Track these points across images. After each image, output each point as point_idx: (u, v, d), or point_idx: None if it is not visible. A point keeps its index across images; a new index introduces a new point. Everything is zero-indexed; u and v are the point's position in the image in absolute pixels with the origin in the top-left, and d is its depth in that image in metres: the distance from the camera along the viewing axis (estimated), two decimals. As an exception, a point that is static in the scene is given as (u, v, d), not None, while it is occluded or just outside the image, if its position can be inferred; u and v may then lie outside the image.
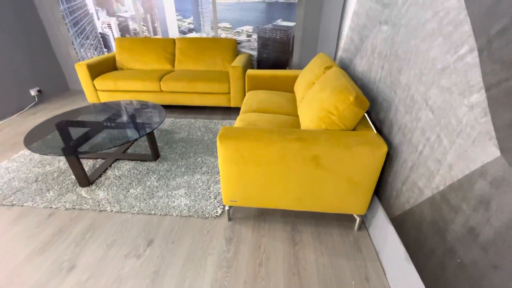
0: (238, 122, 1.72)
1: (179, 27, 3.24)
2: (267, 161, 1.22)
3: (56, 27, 3.33)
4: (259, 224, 1.49)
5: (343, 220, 1.52)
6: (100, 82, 2.75)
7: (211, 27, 3.19)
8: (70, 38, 3.39)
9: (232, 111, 3.00)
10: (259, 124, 1.65)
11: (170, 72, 2.94)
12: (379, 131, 1.36)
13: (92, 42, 3.43)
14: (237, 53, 3.17)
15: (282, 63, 3.35)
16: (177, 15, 3.17)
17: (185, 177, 1.84)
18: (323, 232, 1.45)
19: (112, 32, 3.34)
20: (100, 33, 3.36)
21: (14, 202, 1.63)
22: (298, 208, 1.37)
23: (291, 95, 2.21)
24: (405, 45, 1.14)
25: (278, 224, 1.49)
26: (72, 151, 1.56)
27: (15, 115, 2.92)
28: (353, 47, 1.88)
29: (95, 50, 3.48)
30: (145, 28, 3.28)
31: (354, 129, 1.31)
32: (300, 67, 3.34)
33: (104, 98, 2.87)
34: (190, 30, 3.25)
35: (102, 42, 3.42)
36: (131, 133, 1.75)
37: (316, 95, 1.47)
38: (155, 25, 3.25)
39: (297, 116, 1.86)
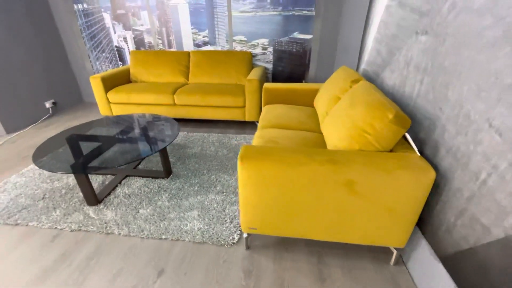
0: (256, 138, 1.60)
1: (193, 40, 3.22)
2: (293, 185, 1.08)
3: (73, 41, 3.37)
4: (281, 254, 1.33)
5: (377, 252, 1.34)
6: (113, 95, 2.71)
7: (226, 40, 3.15)
8: (86, 52, 3.42)
9: (246, 125, 2.89)
10: (279, 141, 1.52)
11: (184, 85, 2.88)
12: (420, 152, 1.21)
13: (107, 55, 3.44)
14: (252, 66, 3.10)
15: (298, 76, 3.26)
16: (192, 28, 3.15)
17: (198, 197, 1.71)
18: (354, 265, 1.27)
19: (127, 45, 3.35)
20: (116, 46, 3.37)
21: (18, 221, 1.53)
22: (327, 239, 1.21)
23: (311, 110, 2.08)
24: (453, 56, 1.00)
25: (302, 254, 1.33)
26: (81, 169, 1.47)
27: (29, 127, 2.91)
28: (380, 60, 1.75)
29: (110, 63, 3.49)
30: (160, 41, 3.28)
31: (391, 150, 1.16)
32: (317, 80, 3.23)
33: (117, 111, 2.83)
34: (205, 43, 3.22)
35: (117, 55, 3.43)
36: (143, 148, 1.65)
37: (345, 111, 1.34)
38: (170, 38, 3.24)
39: (320, 132, 1.72)
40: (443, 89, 1.05)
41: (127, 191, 1.78)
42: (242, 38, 3.13)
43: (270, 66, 3.24)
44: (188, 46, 3.25)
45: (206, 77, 2.99)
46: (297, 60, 3.16)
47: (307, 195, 1.09)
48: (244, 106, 2.61)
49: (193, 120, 3.07)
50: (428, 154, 1.13)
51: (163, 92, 2.65)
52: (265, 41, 3.11)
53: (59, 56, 3.36)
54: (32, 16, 2.97)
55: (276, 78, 3.29)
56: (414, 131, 1.26)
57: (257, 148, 1.13)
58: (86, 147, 1.68)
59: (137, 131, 1.91)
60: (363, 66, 2.10)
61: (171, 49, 3.29)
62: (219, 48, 3.21)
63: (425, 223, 1.14)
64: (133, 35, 3.29)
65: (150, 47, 3.32)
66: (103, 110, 2.83)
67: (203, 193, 1.76)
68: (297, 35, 3.03)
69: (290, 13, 2.94)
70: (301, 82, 3.28)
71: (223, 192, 1.76)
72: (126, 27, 3.25)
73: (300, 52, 3.11)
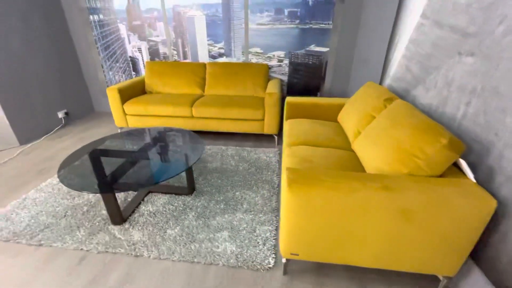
0: (288, 157, 1.56)
1: (209, 52, 3.21)
2: (344, 212, 1.04)
3: (87, 51, 3.35)
4: (321, 280, 1.28)
5: (421, 279, 1.29)
6: (130, 107, 2.68)
7: (242, 52, 3.14)
8: (100, 61, 3.40)
9: (263, 138, 2.85)
10: (314, 160, 1.48)
11: (200, 97, 2.85)
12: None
13: (121, 65, 3.42)
14: (268, 78, 3.09)
15: (313, 89, 3.24)
16: (208, 40, 3.14)
17: (226, 216, 1.66)
18: (399, 294, 1.22)
19: (142, 55, 3.34)
20: (130, 56, 3.36)
21: (42, 242, 1.47)
22: (373, 266, 1.16)
23: (336, 125, 2.05)
24: (511, 82, 0.98)
25: (343, 281, 1.28)
26: (109, 188, 1.42)
27: (42, 138, 2.86)
28: (410, 77, 1.73)
29: (124, 73, 3.47)
30: (175, 52, 3.26)
31: (441, 175, 1.12)
32: (332, 93, 3.22)
33: (133, 122, 2.79)
34: (221, 55, 3.21)
35: (131, 66, 3.41)
36: (171, 166, 1.61)
37: (386, 132, 1.30)
38: (185, 49, 3.23)
39: (351, 150, 1.69)
40: (498, 114, 1.02)
41: (151, 209, 1.72)
42: (258, 50, 3.13)
43: (285, 78, 3.23)
44: (203, 57, 3.24)
45: (222, 89, 2.97)
46: (312, 72, 3.15)
47: (358, 221, 1.05)
48: (263, 119, 2.58)
49: (209, 132, 3.04)
50: (480, 180, 1.10)
51: (181, 104, 2.62)
52: (281, 53, 3.10)
53: (73, 66, 3.33)
54: (49, 27, 2.95)
55: (291, 90, 3.28)
56: (462, 154, 1.22)
57: (305, 172, 1.09)
58: (110, 163, 1.64)
59: (161, 146, 1.87)
60: (388, 81, 2.08)
61: (186, 60, 3.28)
62: (234, 60, 3.20)
63: (477, 251, 1.10)
64: (148, 46, 3.27)
65: (164, 57, 3.31)
66: (119, 122, 2.79)
67: (230, 211, 1.70)
68: (313, 47, 3.03)
69: (307, 26, 2.94)
70: (316, 94, 3.27)
71: (250, 211, 1.71)
72: (141, 38, 3.24)
73: (316, 64, 3.10)
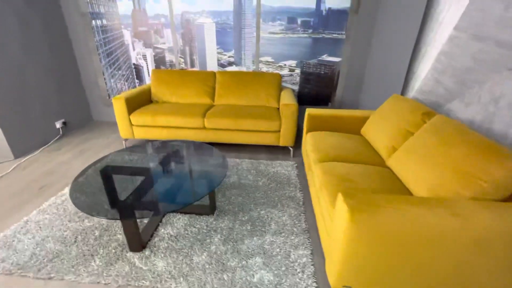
0: (323, 174, 1.46)
1: (218, 60, 3.11)
2: (408, 242, 0.94)
3: (87, 57, 3.18)
4: (372, 313, 1.16)
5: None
6: (137, 117, 2.52)
7: (252, 60, 3.06)
8: (101, 68, 3.23)
9: (278, 150, 2.75)
10: (354, 179, 1.39)
11: (211, 107, 2.73)
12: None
13: (124, 72, 3.26)
14: (281, 88, 3.01)
15: (324, 98, 3.19)
16: (218, 48, 3.05)
17: (255, 239, 1.53)
18: (458, 327, 1.12)
19: (146, 63, 3.19)
20: (134, 63, 3.21)
21: (52, 274, 1.30)
22: (434, 299, 1.06)
23: (362, 139, 1.98)
24: None
25: (396, 313, 1.17)
26: (130, 213, 1.27)
27: (39, 150, 2.64)
28: (443, 91, 1.68)
29: (126, 81, 3.31)
30: (182, 60, 3.14)
31: (504, 200, 1.05)
32: (344, 102, 3.17)
33: (140, 133, 2.63)
34: (230, 64, 3.11)
35: (134, 73, 3.26)
36: (194, 185, 1.48)
37: (435, 151, 1.23)
38: (194, 57, 3.12)
39: (385, 166, 1.61)
40: None
41: (172, 232, 1.57)
42: (269, 59, 3.06)
43: (296, 87, 3.16)
44: (212, 66, 3.14)
45: (233, 99, 2.86)
46: (324, 82, 3.10)
47: (423, 252, 0.95)
48: (279, 131, 2.48)
49: (220, 143, 2.91)
50: (548, 204, 1.03)
51: (192, 114, 2.49)
52: (293, 62, 3.04)
53: (72, 73, 3.15)
54: (48, 32, 2.77)
55: (301, 99, 3.21)
56: (518, 175, 1.16)
57: (366, 198, 0.99)
58: (123, 181, 1.49)
59: (180, 161, 1.73)
60: (412, 94, 2.04)
61: (194, 69, 3.16)
62: (244, 69, 3.11)
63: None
64: (153, 53, 3.14)
65: (171, 65, 3.18)
66: (125, 133, 2.63)
67: (258, 233, 1.58)
68: (326, 57, 2.99)
69: (320, 36, 2.90)
70: (327, 104, 3.21)
71: (280, 233, 1.59)
72: (147, 45, 3.11)
73: (328, 74, 3.06)
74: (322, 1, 2.74)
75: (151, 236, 1.55)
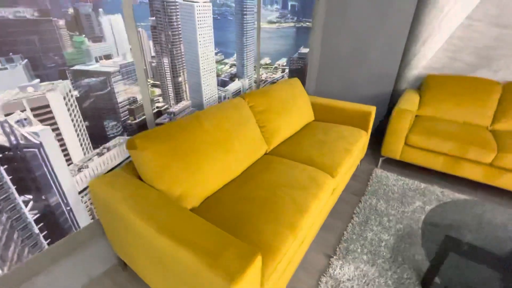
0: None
1: (217, 76, 1.66)
2: None
3: None
4: None
5: None
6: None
7: (254, 66, 1.98)
8: None
9: None
10: None
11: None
12: None
13: None
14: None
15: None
16: (217, 53, 1.59)
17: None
18: None
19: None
20: None
21: None
22: None
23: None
24: None
25: None
26: None
27: None
28: (462, 65, 2.29)
29: None
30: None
31: None
32: (319, 95, 2.98)
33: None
34: (232, 77, 1.79)
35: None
36: None
37: None
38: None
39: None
40: None
41: None
42: (268, 60, 2.14)
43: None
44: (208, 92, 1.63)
45: None
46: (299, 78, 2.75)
47: None
48: None
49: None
50: None
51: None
52: (284, 61, 2.36)
53: None
54: None
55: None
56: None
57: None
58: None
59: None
60: (416, 71, 2.47)
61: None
62: (246, 82, 1.94)
63: None
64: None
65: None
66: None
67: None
68: (302, 49, 2.62)
69: (300, 25, 2.45)
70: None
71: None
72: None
73: (302, 68, 2.73)
74: (301, -19, 2.25)
75: None
